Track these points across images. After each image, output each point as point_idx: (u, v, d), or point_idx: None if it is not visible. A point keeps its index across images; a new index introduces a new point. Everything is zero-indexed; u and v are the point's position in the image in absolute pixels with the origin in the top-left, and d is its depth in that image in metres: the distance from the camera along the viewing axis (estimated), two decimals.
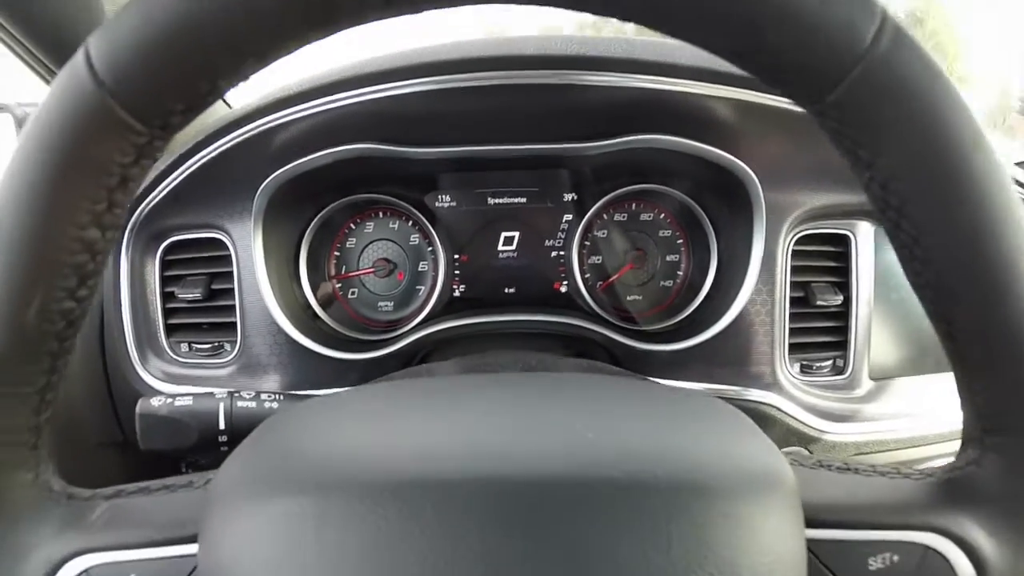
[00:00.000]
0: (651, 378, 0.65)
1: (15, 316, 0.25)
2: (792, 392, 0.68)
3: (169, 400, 0.50)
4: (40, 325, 0.25)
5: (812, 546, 0.30)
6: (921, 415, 0.73)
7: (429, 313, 0.71)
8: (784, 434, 0.69)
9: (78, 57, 0.23)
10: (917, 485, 0.32)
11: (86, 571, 0.29)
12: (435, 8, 0.24)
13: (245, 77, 0.24)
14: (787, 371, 0.69)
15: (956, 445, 0.77)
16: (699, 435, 0.30)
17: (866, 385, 0.75)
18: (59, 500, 0.30)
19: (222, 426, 0.49)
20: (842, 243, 0.72)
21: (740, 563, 0.25)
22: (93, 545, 0.29)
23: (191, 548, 0.28)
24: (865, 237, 0.72)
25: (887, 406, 0.74)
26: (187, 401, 0.50)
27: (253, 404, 0.50)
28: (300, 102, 0.60)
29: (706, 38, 0.25)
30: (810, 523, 0.30)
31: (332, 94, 0.59)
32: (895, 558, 0.30)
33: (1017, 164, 1.34)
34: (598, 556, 0.23)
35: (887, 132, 0.25)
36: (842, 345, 0.72)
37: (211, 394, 0.51)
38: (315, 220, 0.71)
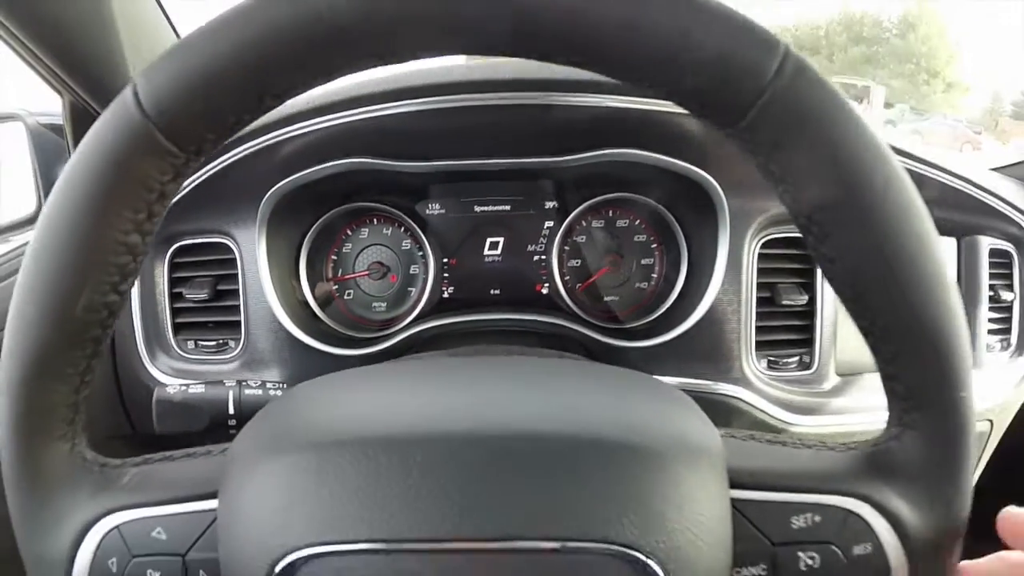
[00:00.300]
0: None
1: (67, 308, 0.29)
2: (759, 386, 0.72)
3: (183, 387, 0.55)
4: (86, 316, 0.29)
5: (739, 506, 0.32)
6: (878, 408, 0.76)
7: (420, 313, 0.76)
8: (751, 425, 0.72)
9: (127, 92, 0.27)
10: (841, 456, 0.35)
11: (117, 527, 0.32)
12: (405, 60, 0.29)
13: (265, 111, 0.29)
14: (754, 367, 0.73)
15: None
16: (640, 406, 0.35)
17: (832, 380, 0.78)
18: (92, 468, 0.34)
19: (231, 411, 0.54)
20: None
21: (668, 514, 0.29)
22: (123, 504, 0.33)
23: (211, 503, 0.32)
24: None
25: (853, 400, 0.77)
26: (199, 389, 0.56)
27: (259, 391, 0.56)
28: (302, 120, 0.65)
29: (633, 77, 0.29)
30: (738, 486, 0.33)
31: (331, 113, 0.64)
32: (816, 519, 0.32)
33: (993, 170, 1.37)
34: (544, 497, 0.28)
35: (793, 152, 0.28)
36: (808, 343, 0.76)
37: (221, 383, 0.56)
38: (314, 227, 0.76)
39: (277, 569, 0.28)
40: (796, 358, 0.77)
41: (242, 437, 0.33)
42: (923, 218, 0.29)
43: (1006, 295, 0.86)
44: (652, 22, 0.27)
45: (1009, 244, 0.87)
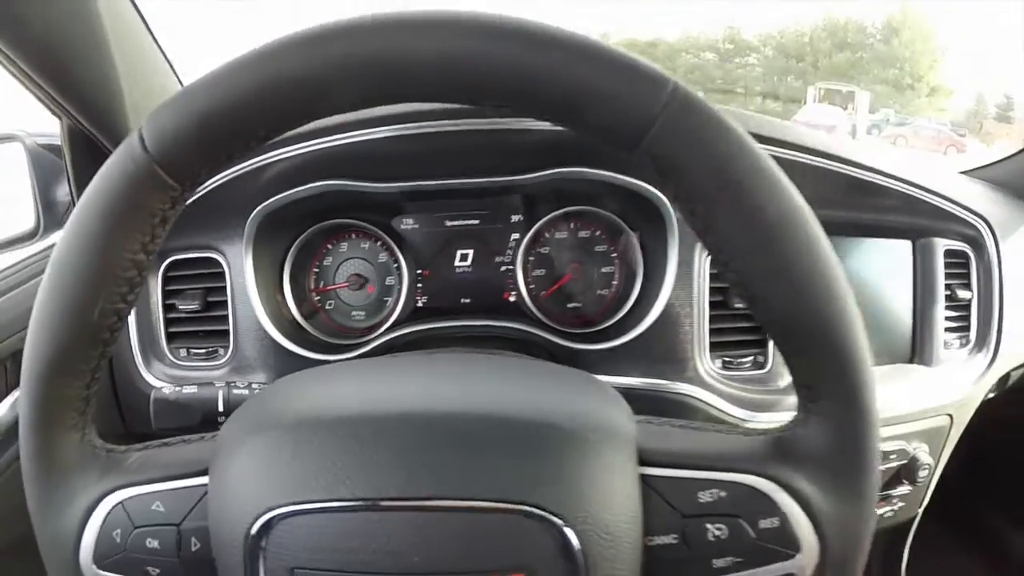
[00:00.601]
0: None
1: (84, 315, 0.34)
2: (714, 385, 0.76)
3: (178, 388, 0.61)
4: (101, 320, 0.35)
5: (651, 481, 0.36)
6: None
7: (395, 320, 0.81)
8: (707, 421, 0.74)
9: (134, 136, 0.33)
10: (750, 440, 0.38)
11: (121, 503, 0.37)
12: (361, 108, 0.34)
13: (252, 149, 0.35)
14: (709, 367, 0.77)
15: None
16: (561, 393, 0.40)
17: (787, 378, 0.79)
18: (100, 454, 0.39)
19: (221, 409, 0.60)
20: None
21: (579, 485, 0.33)
22: (126, 482, 0.38)
23: (203, 480, 0.37)
24: None
25: None
26: (192, 390, 0.61)
27: (246, 391, 0.61)
28: (283, 146, 0.71)
29: (544, 115, 0.33)
30: (649, 464, 0.36)
31: (310, 140, 0.71)
32: (722, 494, 0.35)
33: (962, 172, 1.37)
34: (473, 465, 0.34)
35: (685, 173, 0.32)
36: (762, 343, 0.80)
37: (212, 384, 0.62)
38: (296, 242, 0.81)
39: (254, 529, 0.33)
40: (750, 358, 0.80)
41: (229, 423, 0.39)
42: (808, 222, 0.32)
43: (963, 294, 0.89)
44: (551, 72, 0.31)
45: (965, 245, 0.90)
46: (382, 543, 0.32)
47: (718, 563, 0.35)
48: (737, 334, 0.80)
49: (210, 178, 0.36)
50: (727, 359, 0.80)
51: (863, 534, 0.35)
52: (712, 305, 0.77)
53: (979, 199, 0.93)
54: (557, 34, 0.31)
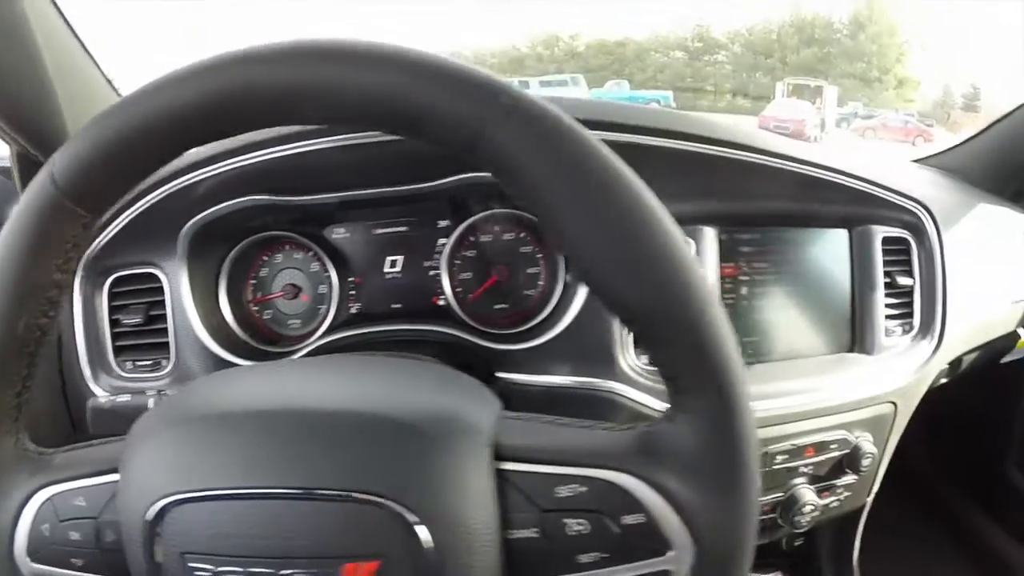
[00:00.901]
0: (510, 374, 0.76)
1: (10, 329, 0.38)
2: (638, 380, 0.77)
3: (113, 398, 0.65)
4: (26, 335, 0.39)
5: (509, 476, 0.37)
6: (775, 396, 0.81)
7: (329, 327, 0.84)
8: (633, 418, 0.75)
9: (44, 171, 0.37)
10: (613, 435, 0.38)
11: (50, 499, 0.41)
12: (238, 133, 0.37)
13: (147, 177, 0.39)
14: (632, 362, 0.78)
15: (809, 424, 0.84)
16: (423, 392, 0.42)
17: None
18: (32, 456, 0.43)
19: None
20: None
21: (429, 478, 0.35)
22: (53, 479, 0.41)
23: (117, 475, 0.40)
24: (708, 240, 0.81)
25: None
26: (126, 398, 0.65)
27: None
28: (214, 162, 0.75)
29: (392, 131, 0.35)
30: (508, 459, 0.37)
31: (236, 156, 0.74)
32: (582, 489, 0.36)
33: (914, 161, 1.43)
34: (328, 458, 0.36)
35: (517, 175, 0.34)
36: None
37: (143, 392, 0.66)
38: (231, 255, 0.84)
39: (149, 515, 0.37)
40: None
41: (138, 422, 0.42)
42: (654, 212, 0.33)
43: (904, 280, 0.89)
44: (389, 92, 0.33)
45: (905, 231, 0.90)
46: (254, 529, 0.35)
47: (583, 558, 0.36)
48: None
49: (115, 203, 0.40)
50: None
51: (742, 532, 0.35)
52: None
53: (924, 186, 0.93)
54: (387, 52, 0.34)
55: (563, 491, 0.36)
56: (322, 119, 0.37)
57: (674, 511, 0.35)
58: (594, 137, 0.34)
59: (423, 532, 0.34)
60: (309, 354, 0.81)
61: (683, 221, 0.71)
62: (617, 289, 0.34)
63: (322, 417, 0.38)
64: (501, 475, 0.37)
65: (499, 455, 0.37)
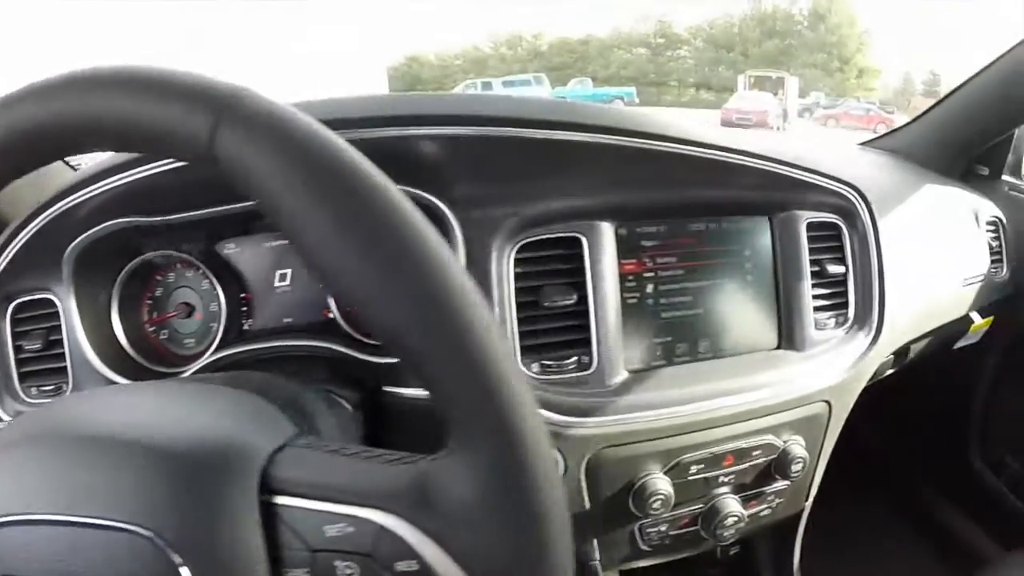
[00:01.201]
0: (396, 388, 0.74)
1: None
2: None
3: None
4: None
5: (278, 510, 0.34)
6: (688, 401, 0.78)
7: (221, 343, 0.83)
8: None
9: None
10: (393, 470, 0.35)
11: None
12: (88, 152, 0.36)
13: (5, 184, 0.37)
14: (523, 371, 0.75)
15: (727, 431, 0.82)
16: (198, 418, 0.40)
17: (620, 376, 0.78)
18: None
19: None
20: (576, 245, 0.76)
21: (187, 511, 0.33)
22: None
23: None
24: (603, 236, 0.77)
25: (642, 397, 0.77)
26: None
27: None
28: (86, 185, 0.75)
29: (132, 151, 0.34)
30: (277, 492, 0.35)
31: (106, 178, 0.75)
32: (349, 529, 0.33)
33: (861, 144, 1.42)
34: (101, 490, 0.34)
35: (252, 184, 0.31)
36: (586, 342, 0.76)
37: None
38: (120, 277, 0.84)
39: None
40: (574, 359, 0.77)
41: None
42: (407, 219, 0.31)
43: (835, 269, 0.85)
44: (116, 115, 0.32)
45: (835, 216, 0.86)
46: (32, 555, 0.33)
47: None
48: (556, 334, 0.77)
49: None
50: (546, 362, 0.77)
51: None
52: (523, 306, 0.75)
53: (858, 168, 0.89)
54: (112, 75, 0.32)
55: (331, 530, 0.34)
56: (71, 151, 0.35)
57: (452, 559, 0.32)
58: (335, 140, 0.32)
59: (179, 566, 0.32)
60: (200, 371, 0.80)
61: (578, 216, 0.76)
62: (370, 309, 0.31)
63: (86, 444, 0.36)
64: (269, 509, 0.34)
65: (267, 487, 0.35)
